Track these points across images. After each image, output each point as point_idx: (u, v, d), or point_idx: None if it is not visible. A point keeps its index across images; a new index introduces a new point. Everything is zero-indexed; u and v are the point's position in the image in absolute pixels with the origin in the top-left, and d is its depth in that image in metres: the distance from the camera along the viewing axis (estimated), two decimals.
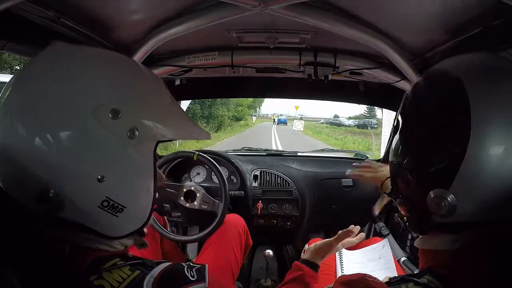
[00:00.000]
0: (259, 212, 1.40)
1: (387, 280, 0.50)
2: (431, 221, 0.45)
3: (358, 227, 0.92)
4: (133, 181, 0.46)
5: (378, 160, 1.67)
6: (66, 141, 0.40)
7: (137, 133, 0.44)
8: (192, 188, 1.19)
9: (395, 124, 1.45)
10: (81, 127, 0.40)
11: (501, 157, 0.40)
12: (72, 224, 0.43)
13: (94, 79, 0.43)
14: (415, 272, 0.50)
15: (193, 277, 0.46)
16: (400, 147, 0.51)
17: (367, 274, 0.48)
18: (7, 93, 0.42)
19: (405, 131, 0.51)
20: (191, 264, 0.49)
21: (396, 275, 0.54)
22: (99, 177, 0.41)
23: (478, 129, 0.40)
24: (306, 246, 1.17)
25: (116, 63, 0.49)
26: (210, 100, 13.90)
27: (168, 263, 0.48)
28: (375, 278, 0.47)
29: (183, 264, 0.49)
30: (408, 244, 1.29)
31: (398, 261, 1.16)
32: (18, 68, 7.95)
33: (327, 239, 0.84)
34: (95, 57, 0.48)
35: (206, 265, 0.50)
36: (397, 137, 0.53)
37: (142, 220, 0.50)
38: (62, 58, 0.44)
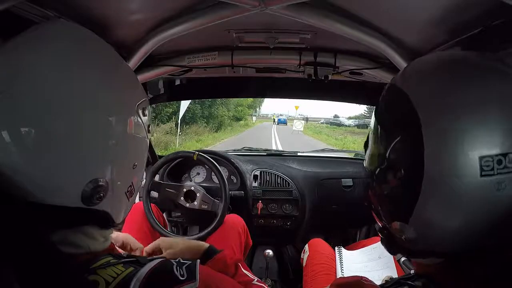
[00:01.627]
0: (259, 212, 1.40)
1: (387, 279, 0.50)
2: (399, 245, 0.46)
3: None
4: (143, 171, 0.52)
5: None
6: (122, 131, 0.44)
7: (151, 128, 0.50)
8: (192, 188, 1.19)
9: None
10: (131, 119, 0.45)
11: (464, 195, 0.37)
12: (95, 215, 0.43)
13: (134, 80, 0.50)
14: (410, 274, 0.50)
15: (182, 276, 0.44)
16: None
17: (363, 277, 0.48)
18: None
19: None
20: (181, 261, 0.47)
21: (396, 275, 0.54)
22: (135, 164, 0.47)
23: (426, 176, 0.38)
24: (306, 246, 1.18)
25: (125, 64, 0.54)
26: (210, 100, 13.90)
27: (157, 261, 0.45)
28: (371, 281, 0.47)
29: (173, 261, 0.46)
30: None
31: (398, 261, 1.16)
32: None
33: None
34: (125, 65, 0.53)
35: (198, 261, 0.48)
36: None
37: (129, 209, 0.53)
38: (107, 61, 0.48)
